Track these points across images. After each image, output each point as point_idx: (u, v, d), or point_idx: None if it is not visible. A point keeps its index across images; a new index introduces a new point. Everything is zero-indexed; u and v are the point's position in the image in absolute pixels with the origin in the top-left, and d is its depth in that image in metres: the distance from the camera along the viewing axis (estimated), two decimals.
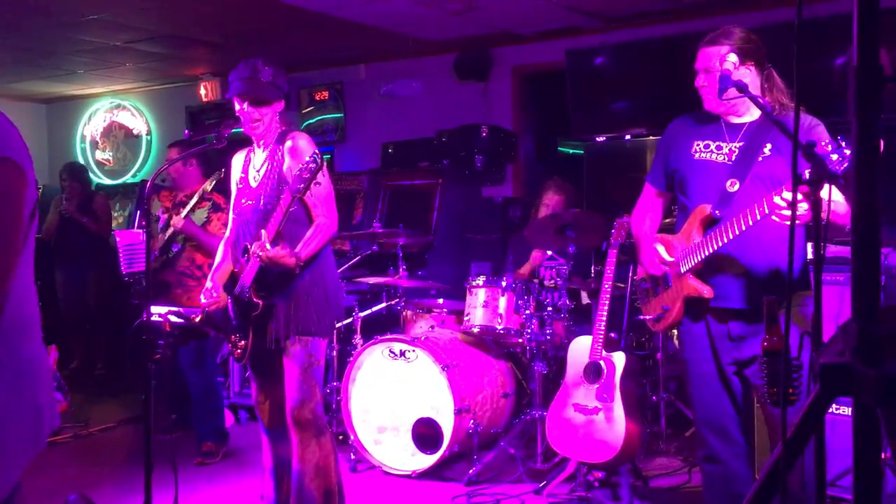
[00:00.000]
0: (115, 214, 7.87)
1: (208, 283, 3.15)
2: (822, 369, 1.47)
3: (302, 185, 2.70)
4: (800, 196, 2.41)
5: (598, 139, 6.13)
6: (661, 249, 2.89)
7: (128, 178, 8.96)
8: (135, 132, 9.02)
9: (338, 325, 3.25)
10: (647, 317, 2.95)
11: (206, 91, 8.17)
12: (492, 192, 6.69)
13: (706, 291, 2.71)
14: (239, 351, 2.98)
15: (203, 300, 3.10)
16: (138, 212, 4.67)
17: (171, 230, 4.47)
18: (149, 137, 8.93)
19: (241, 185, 3.14)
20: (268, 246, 2.78)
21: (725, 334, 2.78)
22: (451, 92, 6.93)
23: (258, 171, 3.07)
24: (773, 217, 2.46)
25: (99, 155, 9.26)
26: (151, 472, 2.74)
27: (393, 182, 6.63)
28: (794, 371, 2.04)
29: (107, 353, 7.04)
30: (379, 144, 6.94)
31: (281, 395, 3.06)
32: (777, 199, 2.47)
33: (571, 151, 6.98)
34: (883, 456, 3.29)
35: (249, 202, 3.04)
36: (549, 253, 5.06)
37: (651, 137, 5.94)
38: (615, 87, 5.94)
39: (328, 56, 7.29)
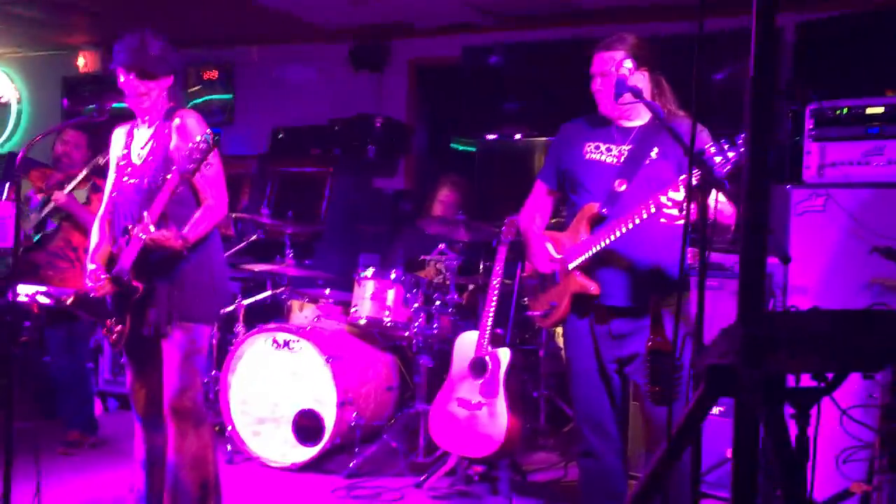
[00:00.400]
0: None
1: (91, 265, 2.97)
2: (707, 370, 1.52)
3: (192, 166, 2.59)
4: (682, 196, 2.52)
5: (489, 137, 6.19)
6: (549, 247, 2.95)
7: None
8: (3, 99, 8.45)
9: (222, 311, 3.14)
10: (535, 313, 3.00)
11: (84, 61, 7.74)
12: (383, 184, 6.65)
13: (592, 288, 2.78)
14: (115, 336, 2.83)
15: (89, 283, 2.91)
16: (7, 183, 4.36)
17: (48, 208, 4.22)
18: (19, 106, 8.39)
19: (122, 163, 2.98)
20: (151, 228, 2.65)
21: (607, 332, 2.85)
22: (345, 81, 6.83)
23: (142, 148, 2.92)
24: (662, 219, 2.55)
25: None
26: (12, 461, 2.57)
27: (282, 168, 6.48)
28: (676, 371, 2.11)
29: None
30: (269, 129, 6.76)
31: (157, 382, 2.93)
32: (663, 199, 2.56)
33: (463, 148, 7.01)
34: None
35: (132, 181, 2.89)
36: (442, 246, 5.08)
37: (541, 139, 6.05)
38: (508, 87, 6.01)
39: (219, 34, 7.05)
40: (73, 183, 4.22)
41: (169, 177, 2.68)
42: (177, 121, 2.88)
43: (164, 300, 2.81)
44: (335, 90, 6.86)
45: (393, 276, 4.36)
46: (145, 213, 2.66)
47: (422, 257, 5.09)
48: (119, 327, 2.82)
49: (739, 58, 5.05)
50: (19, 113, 8.40)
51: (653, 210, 2.52)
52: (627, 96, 2.64)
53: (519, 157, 6.10)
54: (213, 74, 7.32)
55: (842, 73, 4.12)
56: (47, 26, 7.05)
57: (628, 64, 2.71)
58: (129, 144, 2.99)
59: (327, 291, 5.01)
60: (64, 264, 4.30)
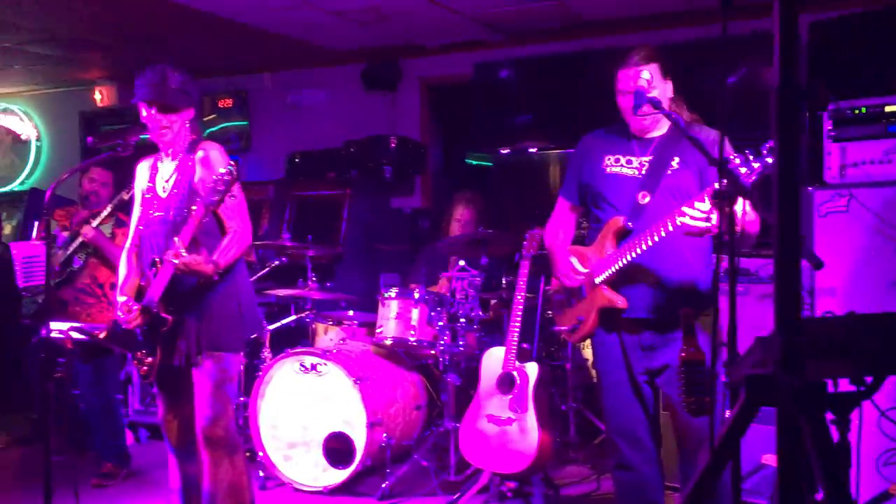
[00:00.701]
0: (3, 224, 7.44)
1: (121, 297, 3.00)
2: (747, 380, 1.52)
3: (216, 198, 2.62)
4: (708, 207, 2.51)
5: (503, 151, 6.21)
6: (574, 262, 2.95)
7: (15, 186, 8.50)
8: (23, 137, 8.57)
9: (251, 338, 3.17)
10: (562, 328, 3.00)
11: (101, 96, 7.85)
12: (400, 203, 6.68)
13: (620, 302, 2.78)
14: (146, 368, 2.86)
15: (121, 315, 2.93)
16: (35, 223, 4.41)
17: (75, 244, 4.27)
18: (38, 143, 8.50)
19: (148, 196, 3.01)
20: (183, 252, 2.68)
21: (637, 344, 2.85)
22: (358, 102, 6.88)
23: (167, 181, 2.96)
24: (685, 232, 2.54)
25: None
26: (52, 496, 2.59)
27: (300, 192, 6.52)
28: (709, 381, 2.11)
29: None
30: (285, 154, 6.82)
31: (189, 412, 2.95)
32: (688, 211, 2.56)
33: (478, 163, 7.04)
34: None
35: (158, 213, 2.92)
36: (462, 263, 5.09)
37: (555, 150, 6.06)
38: (520, 101, 6.04)
39: (232, 63, 7.13)
40: (99, 219, 4.27)
41: (194, 208, 2.71)
42: (200, 153, 2.91)
43: (193, 330, 2.84)
44: (349, 112, 6.91)
45: (416, 295, 4.37)
46: (176, 239, 2.68)
47: (441, 275, 5.10)
48: (150, 359, 2.84)
49: (750, 61, 5.04)
50: (39, 150, 8.52)
51: (678, 222, 2.51)
52: (647, 108, 2.65)
53: (534, 170, 6.12)
54: (228, 102, 7.40)
55: (856, 72, 4.11)
56: (63, 63, 7.15)
57: (646, 75, 2.71)
58: (154, 178, 3.03)
59: (351, 313, 5.03)
60: (90, 300, 4.34)
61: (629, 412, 2.89)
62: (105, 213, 4.19)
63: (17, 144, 8.61)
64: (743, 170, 2.21)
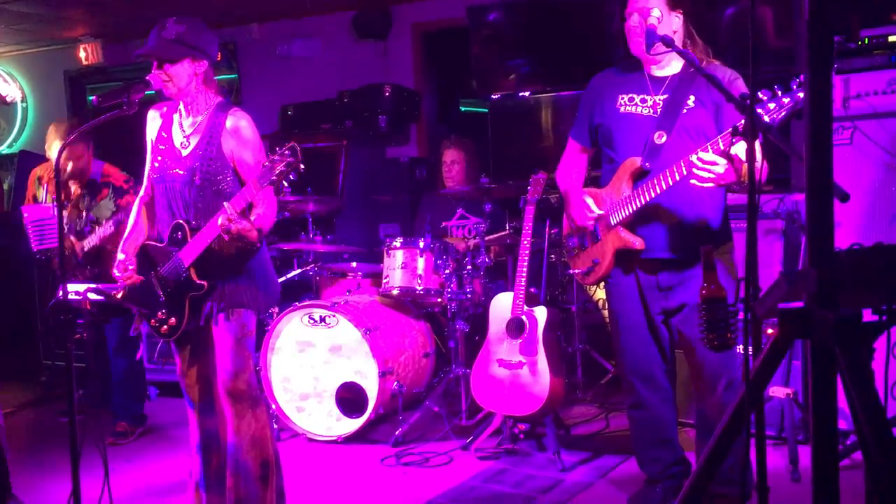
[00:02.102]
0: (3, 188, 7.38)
1: (120, 255, 2.99)
2: (781, 314, 1.54)
3: (274, 178, 2.59)
4: (712, 158, 2.52)
5: (499, 96, 6.15)
6: (590, 202, 2.94)
7: (3, 149, 8.39)
8: (8, 99, 8.43)
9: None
10: (577, 271, 3.01)
11: (86, 54, 7.71)
12: (396, 153, 6.64)
13: (637, 243, 2.78)
14: (167, 327, 2.86)
15: (116, 273, 2.94)
16: (45, 186, 4.36)
17: (97, 234, 4.20)
18: (24, 104, 8.37)
19: (162, 147, 2.96)
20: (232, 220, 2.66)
21: (655, 284, 2.87)
22: (350, 51, 6.79)
23: (187, 137, 2.91)
24: (692, 180, 2.55)
25: None
26: (79, 456, 2.61)
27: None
28: (732, 316, 2.13)
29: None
30: (277, 107, 6.75)
31: (208, 368, 2.97)
32: (693, 158, 2.56)
33: (473, 110, 6.98)
34: (790, 391, 3.51)
35: (179, 171, 2.88)
36: (460, 210, 5.10)
37: (550, 94, 6.00)
38: (515, 45, 5.96)
39: (218, 15, 6.99)
40: (109, 208, 4.18)
41: (248, 185, 2.66)
42: (230, 122, 2.86)
43: (218, 293, 2.84)
44: (341, 61, 6.82)
45: (422, 244, 4.38)
46: (227, 205, 2.66)
47: (443, 224, 5.11)
48: (173, 319, 2.84)
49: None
50: (25, 111, 8.39)
51: (695, 161, 2.50)
52: (659, 46, 2.62)
53: (532, 114, 6.06)
54: (217, 56, 7.27)
55: (859, 2, 4.07)
56: (46, 20, 7.00)
57: (656, 13, 2.67)
58: (169, 129, 2.97)
59: (354, 265, 5.04)
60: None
61: (645, 352, 2.93)
62: (108, 199, 4.11)
63: (3, 107, 8.47)
64: (771, 106, 2.19)
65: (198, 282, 2.80)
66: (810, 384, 1.50)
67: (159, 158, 2.96)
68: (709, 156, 2.50)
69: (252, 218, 2.77)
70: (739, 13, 4.95)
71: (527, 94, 6.03)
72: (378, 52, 6.72)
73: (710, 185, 2.56)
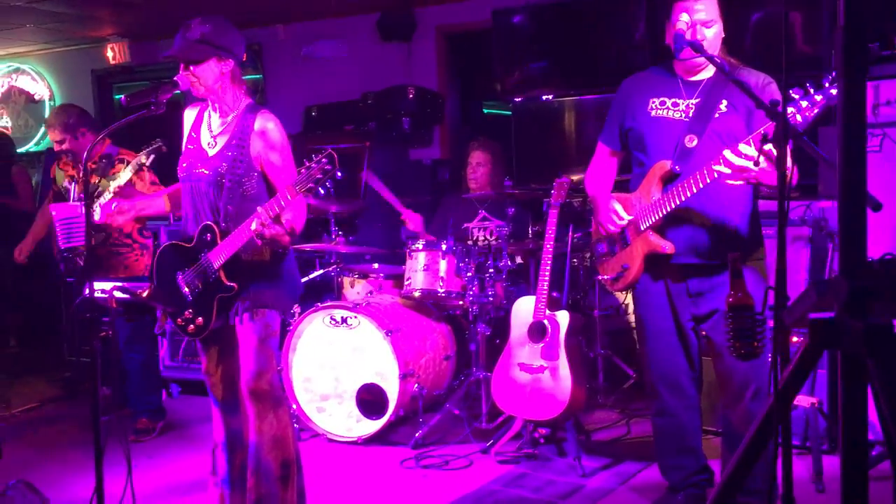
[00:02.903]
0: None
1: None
2: (811, 324, 1.52)
3: (311, 185, 2.60)
4: (742, 160, 2.48)
5: (523, 99, 6.14)
6: (618, 207, 2.92)
7: (31, 147, 8.50)
8: (36, 97, 8.54)
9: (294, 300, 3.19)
10: (606, 276, 2.99)
11: (113, 53, 7.79)
12: (419, 155, 6.65)
13: (667, 247, 2.76)
14: (194, 327, 2.88)
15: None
16: (73, 184, 4.40)
17: (104, 198, 4.24)
18: (52, 102, 8.47)
19: (191, 147, 2.99)
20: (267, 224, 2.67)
21: (684, 290, 2.84)
22: (374, 53, 6.81)
23: (214, 137, 2.93)
24: (728, 181, 2.52)
25: None
26: (103, 453, 2.63)
27: (318, 146, 6.42)
28: (759, 325, 2.11)
29: (20, 331, 6.76)
30: (301, 108, 6.78)
31: (233, 367, 2.98)
32: (728, 155, 2.53)
33: (498, 112, 6.97)
34: (815, 401, 3.46)
35: (204, 171, 2.90)
36: (482, 213, 5.08)
37: (573, 98, 5.98)
38: (539, 47, 5.95)
39: (244, 16, 7.03)
40: (123, 178, 4.22)
41: (285, 191, 2.67)
42: (258, 124, 2.87)
43: (245, 294, 2.85)
44: (365, 63, 6.84)
45: (444, 246, 4.37)
46: (260, 209, 2.68)
47: (464, 225, 5.10)
48: (200, 319, 2.86)
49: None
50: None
51: (723, 167, 2.48)
52: (688, 52, 2.60)
53: (555, 117, 6.04)
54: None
55: (889, 10, 4.02)
56: (74, 20, 7.08)
57: (685, 17, 2.65)
58: (198, 129, 2.99)
59: (376, 266, 5.05)
60: (124, 250, 4.36)
61: (673, 359, 2.90)
62: (123, 177, 4.15)
63: (31, 105, 8.59)
64: (804, 103, 2.16)
65: (227, 283, 2.81)
66: (840, 395, 1.48)
67: (187, 159, 2.98)
68: (748, 149, 2.46)
69: (283, 222, 2.78)
70: (766, 18, 4.90)
71: (550, 97, 6.02)
72: (402, 54, 6.73)
73: (740, 181, 2.53)
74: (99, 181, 4.29)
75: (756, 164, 2.39)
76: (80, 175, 4.38)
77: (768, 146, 2.45)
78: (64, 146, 4.44)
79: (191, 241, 2.90)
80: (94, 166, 4.37)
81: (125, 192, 4.10)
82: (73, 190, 4.39)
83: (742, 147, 2.43)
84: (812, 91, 2.20)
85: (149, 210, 3.25)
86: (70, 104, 4.82)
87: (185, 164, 2.97)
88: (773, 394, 1.53)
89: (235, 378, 2.97)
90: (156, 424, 4.57)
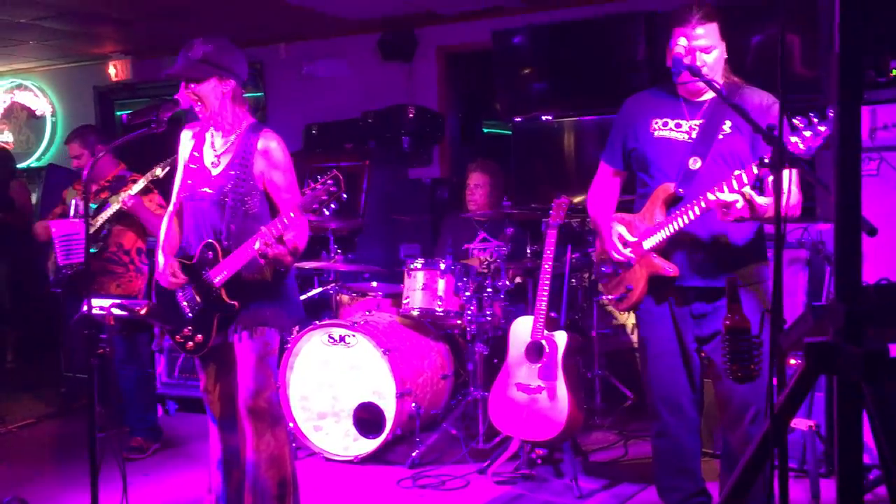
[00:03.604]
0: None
1: (161, 258, 3.01)
2: (807, 348, 1.52)
3: (316, 207, 2.62)
4: (732, 197, 2.52)
5: (522, 119, 6.17)
6: (622, 230, 2.91)
7: (32, 162, 8.52)
8: (38, 113, 8.57)
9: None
10: (609, 297, 2.99)
11: (115, 70, 7.84)
12: (419, 174, 6.67)
13: (670, 270, 2.76)
14: (192, 344, 2.88)
15: (171, 278, 2.90)
16: (74, 202, 4.41)
17: (106, 213, 4.26)
18: (53, 119, 8.51)
19: (193, 167, 2.99)
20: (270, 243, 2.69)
21: (688, 312, 2.84)
22: (375, 72, 6.85)
23: (218, 156, 2.95)
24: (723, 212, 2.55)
25: None
26: (98, 470, 2.63)
27: (318, 164, 6.49)
28: (755, 348, 2.11)
29: (17, 346, 6.75)
30: (302, 126, 6.80)
31: (231, 384, 2.98)
32: (709, 196, 2.56)
33: (497, 132, 7.00)
34: (813, 424, 3.46)
35: (208, 190, 2.91)
36: (482, 234, 5.09)
37: (573, 118, 6.00)
38: (539, 69, 5.98)
39: (246, 35, 7.08)
40: (137, 187, 4.24)
41: (288, 210, 2.70)
42: (261, 143, 2.89)
43: (245, 312, 2.86)
44: (365, 82, 6.87)
45: (443, 266, 4.38)
46: (264, 229, 2.69)
47: (465, 245, 5.11)
48: (199, 337, 2.86)
49: (774, 20, 4.97)
50: (54, 125, 8.52)
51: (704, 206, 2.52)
52: (685, 75, 2.61)
53: (555, 138, 6.07)
54: None
55: (887, 34, 4.05)
56: (77, 37, 7.12)
57: (683, 42, 2.66)
58: (201, 149, 3.00)
59: (374, 284, 5.05)
60: (119, 269, 4.37)
61: (675, 381, 2.90)
62: (139, 186, 4.18)
63: (33, 120, 8.62)
64: (808, 133, 2.16)
65: (228, 302, 2.82)
66: (835, 419, 1.48)
67: (190, 178, 2.99)
68: (724, 195, 2.52)
69: (286, 241, 2.79)
70: (766, 41, 4.93)
71: (550, 117, 6.05)
72: (403, 74, 6.77)
73: (730, 218, 2.56)
74: (108, 197, 4.32)
75: (733, 207, 2.45)
76: (89, 190, 4.38)
77: (746, 189, 2.49)
78: (81, 161, 4.45)
79: (191, 258, 2.91)
80: (106, 184, 4.40)
81: (135, 210, 4.13)
82: (73, 206, 4.39)
83: (718, 194, 2.47)
84: (816, 121, 2.19)
85: (155, 222, 3.25)
86: (91, 125, 4.87)
87: (189, 182, 2.98)
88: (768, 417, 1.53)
89: (234, 396, 2.97)
90: (150, 445, 4.53)
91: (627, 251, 2.89)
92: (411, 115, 6.28)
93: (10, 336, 6.73)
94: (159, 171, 3.66)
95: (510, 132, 6.20)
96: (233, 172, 2.88)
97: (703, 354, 2.90)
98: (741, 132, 2.73)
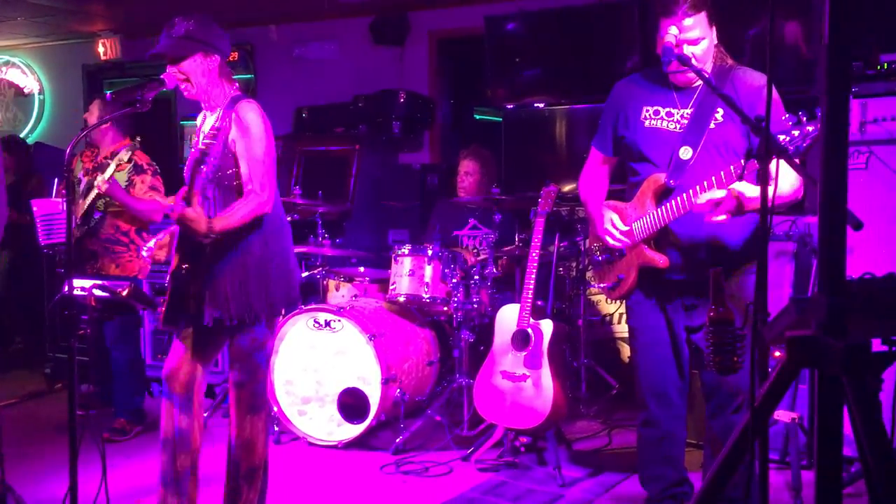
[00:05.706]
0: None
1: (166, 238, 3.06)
2: (789, 341, 1.52)
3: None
4: (721, 195, 2.52)
5: (514, 106, 6.14)
6: (615, 219, 2.90)
7: None
8: (26, 91, 8.49)
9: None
10: (602, 285, 2.98)
11: (104, 48, 7.77)
12: (409, 159, 6.64)
13: (661, 261, 2.75)
14: (163, 317, 2.87)
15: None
16: (56, 179, 4.36)
17: (92, 194, 4.23)
18: (41, 96, 8.44)
19: (192, 149, 3.00)
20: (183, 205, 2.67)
21: (679, 304, 2.84)
22: (366, 56, 6.80)
23: (207, 135, 2.92)
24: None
25: None
26: (78, 450, 2.61)
27: (308, 147, 6.47)
28: (739, 340, 2.11)
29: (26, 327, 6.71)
30: (292, 109, 6.76)
31: (199, 369, 2.96)
32: (699, 200, 2.57)
33: (489, 118, 6.97)
34: (796, 416, 3.47)
35: (202, 168, 2.90)
36: (472, 221, 5.08)
37: (564, 106, 5.98)
38: (531, 55, 5.95)
39: (237, 16, 7.02)
40: (110, 169, 4.21)
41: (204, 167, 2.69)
42: (236, 113, 2.86)
43: (221, 297, 2.81)
44: (357, 66, 6.83)
45: (430, 252, 4.36)
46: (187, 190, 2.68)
47: (454, 232, 5.09)
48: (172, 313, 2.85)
49: (770, 12, 4.94)
50: (42, 103, 8.45)
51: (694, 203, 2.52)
52: (675, 64, 2.59)
53: (546, 125, 6.05)
54: (234, 56, 7.30)
55: (875, 27, 4.04)
56: (66, 14, 7.06)
57: (674, 31, 2.63)
58: (199, 129, 3.01)
59: (361, 269, 5.04)
60: (120, 248, 4.33)
61: (663, 371, 2.90)
62: (113, 164, 4.10)
63: (20, 98, 8.54)
64: (796, 133, 2.14)
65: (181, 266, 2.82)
66: (816, 412, 1.48)
67: (189, 160, 2.99)
68: (706, 195, 2.53)
69: (218, 215, 2.78)
70: (763, 34, 4.91)
71: (541, 105, 6.02)
72: (394, 58, 6.72)
73: (717, 216, 2.56)
74: (96, 178, 4.27)
75: (720, 207, 2.46)
76: (90, 165, 4.32)
77: (721, 194, 2.51)
78: (91, 119, 4.34)
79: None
80: (105, 159, 4.34)
81: (110, 193, 4.08)
82: (84, 183, 4.34)
83: (705, 194, 2.48)
84: (805, 120, 2.17)
85: (139, 206, 3.20)
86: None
87: (190, 163, 2.98)
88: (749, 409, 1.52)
89: (198, 379, 2.96)
90: (133, 427, 4.51)
91: (623, 237, 2.88)
92: (402, 100, 6.24)
93: (17, 318, 6.68)
94: (124, 156, 3.57)
95: (501, 119, 6.18)
96: (207, 142, 2.86)
97: (693, 346, 2.90)
98: (733, 120, 2.68)
